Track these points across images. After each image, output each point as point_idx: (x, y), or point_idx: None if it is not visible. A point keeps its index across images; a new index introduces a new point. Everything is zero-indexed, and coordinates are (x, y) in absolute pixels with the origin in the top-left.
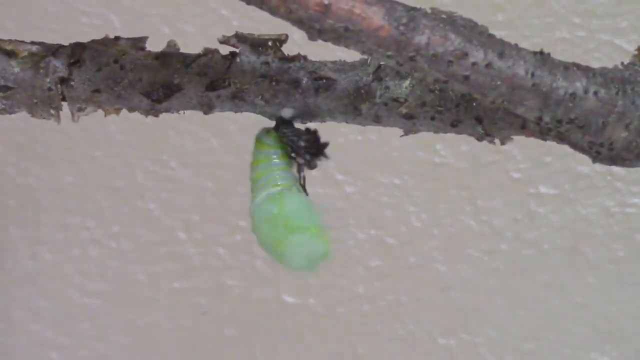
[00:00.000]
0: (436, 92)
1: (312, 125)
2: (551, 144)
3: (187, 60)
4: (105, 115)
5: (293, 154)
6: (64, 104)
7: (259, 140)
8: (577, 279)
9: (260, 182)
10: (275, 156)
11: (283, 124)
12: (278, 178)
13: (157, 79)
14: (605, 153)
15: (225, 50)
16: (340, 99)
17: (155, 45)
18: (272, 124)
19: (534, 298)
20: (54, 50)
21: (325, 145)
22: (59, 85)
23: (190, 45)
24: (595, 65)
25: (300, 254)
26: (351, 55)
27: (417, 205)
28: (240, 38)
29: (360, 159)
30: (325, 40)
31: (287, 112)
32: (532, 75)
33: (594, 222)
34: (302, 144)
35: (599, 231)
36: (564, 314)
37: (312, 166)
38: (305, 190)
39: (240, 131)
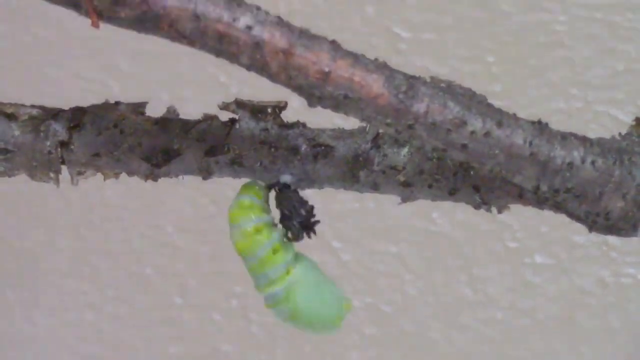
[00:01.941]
0: (434, 160)
1: (309, 191)
2: (547, 213)
3: (187, 126)
4: (104, 179)
5: (284, 221)
6: (64, 167)
7: (240, 205)
8: (572, 349)
9: (254, 272)
10: (262, 238)
11: (285, 187)
12: (273, 271)
13: (157, 143)
14: (602, 223)
15: (224, 116)
16: (338, 166)
17: (154, 110)
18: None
19: None
20: (54, 114)
21: (317, 222)
22: (58, 149)
23: (190, 111)
24: (591, 136)
25: (327, 332)
26: (350, 122)
27: (412, 273)
28: (239, 104)
29: (357, 226)
30: (325, 107)
31: (285, 179)
32: (530, 144)
33: (589, 292)
34: (303, 212)
35: (594, 301)
36: None
37: (298, 238)
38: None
39: None
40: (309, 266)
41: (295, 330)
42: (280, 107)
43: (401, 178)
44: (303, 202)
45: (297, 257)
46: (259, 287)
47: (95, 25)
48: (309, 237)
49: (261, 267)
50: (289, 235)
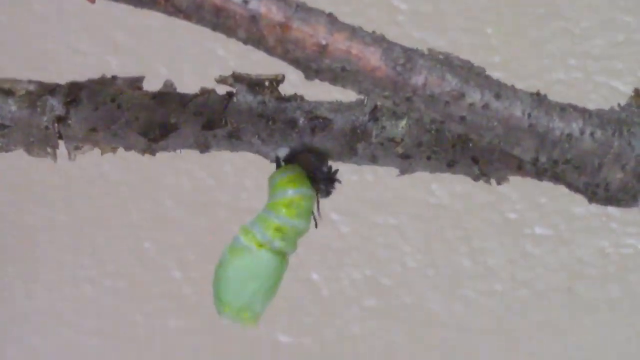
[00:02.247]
0: (432, 132)
1: None
2: (547, 185)
3: (184, 100)
4: (101, 154)
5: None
6: (61, 142)
7: (272, 176)
8: (572, 319)
9: (255, 220)
10: (280, 206)
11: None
12: (260, 231)
13: (154, 118)
14: (601, 194)
15: (222, 90)
16: (336, 139)
17: (151, 85)
18: (267, 162)
19: (528, 338)
20: (51, 89)
21: (337, 172)
22: (55, 124)
23: (187, 85)
24: (591, 107)
25: (223, 317)
26: (347, 95)
27: (412, 246)
28: (237, 78)
29: (356, 199)
30: (322, 80)
31: (283, 152)
32: (529, 116)
33: (589, 262)
34: (324, 170)
35: (594, 272)
36: (559, 355)
37: (327, 194)
38: (316, 218)
39: (235, 171)
40: (273, 268)
41: (295, 303)
42: (278, 80)
43: (399, 150)
44: (322, 159)
45: (279, 257)
46: (241, 229)
47: (90, 0)
48: (334, 188)
49: (261, 222)
50: (318, 195)
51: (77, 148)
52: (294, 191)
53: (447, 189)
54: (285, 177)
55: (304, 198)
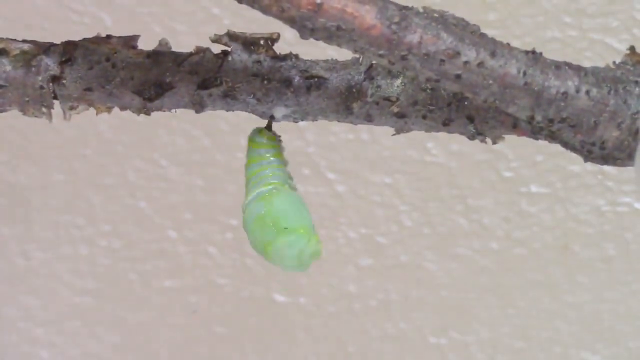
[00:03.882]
0: (428, 91)
1: (303, 124)
2: (542, 143)
3: (179, 59)
4: (96, 114)
5: None
6: (56, 102)
7: (251, 139)
8: (568, 277)
9: (252, 181)
10: (267, 154)
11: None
12: (270, 176)
13: (149, 77)
14: (597, 152)
15: (217, 48)
16: (331, 98)
17: (146, 43)
18: (264, 122)
19: (524, 297)
20: (46, 48)
21: None
22: (50, 84)
23: (182, 44)
24: (586, 64)
25: (289, 255)
26: (343, 54)
27: (408, 204)
28: (232, 37)
29: (352, 157)
30: (317, 39)
31: (279, 111)
32: (524, 74)
33: (585, 221)
34: None
35: (590, 230)
36: (555, 313)
37: None
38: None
39: (231, 130)
40: (300, 197)
41: None
42: (273, 39)
43: (395, 109)
44: None
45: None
46: (248, 189)
47: None
48: None
49: (260, 167)
50: None
51: (72, 108)
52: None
53: (442, 148)
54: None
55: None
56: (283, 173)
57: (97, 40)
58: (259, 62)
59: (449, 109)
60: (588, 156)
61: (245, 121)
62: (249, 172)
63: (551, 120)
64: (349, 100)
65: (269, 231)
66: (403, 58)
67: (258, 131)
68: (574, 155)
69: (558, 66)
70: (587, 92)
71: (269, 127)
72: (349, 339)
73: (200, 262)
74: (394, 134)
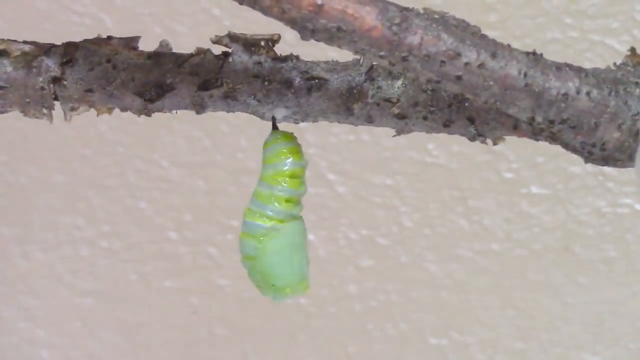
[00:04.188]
0: (428, 92)
1: (304, 125)
2: (543, 144)
3: (180, 60)
4: (97, 115)
5: None
6: (56, 103)
7: (266, 141)
8: (569, 279)
9: (259, 197)
10: (282, 168)
11: None
12: (274, 208)
13: (150, 78)
14: (598, 153)
15: (217, 50)
16: (332, 99)
17: (147, 45)
18: (264, 123)
19: (525, 298)
20: (47, 49)
21: None
22: (51, 85)
23: (183, 45)
24: (587, 65)
25: (275, 300)
26: (343, 55)
27: (408, 205)
28: (232, 38)
29: (352, 159)
30: (318, 41)
31: (279, 112)
32: (525, 75)
33: (586, 222)
34: None
35: (591, 231)
36: (556, 314)
37: None
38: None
39: (232, 131)
40: (300, 231)
41: None
42: (274, 40)
43: (395, 110)
44: None
45: (298, 220)
46: (249, 213)
47: None
48: None
49: (268, 199)
50: None
51: (72, 109)
52: (294, 162)
53: (443, 149)
54: (283, 147)
55: (303, 167)
56: (291, 197)
57: (98, 41)
58: (259, 63)
59: (449, 110)
60: (588, 157)
61: (245, 122)
62: (259, 188)
63: (552, 122)
64: (350, 102)
65: (258, 278)
66: (404, 59)
67: (274, 133)
68: (574, 156)
69: (559, 67)
70: (588, 94)
71: (274, 127)
72: (349, 340)
73: (201, 263)
74: (394, 135)
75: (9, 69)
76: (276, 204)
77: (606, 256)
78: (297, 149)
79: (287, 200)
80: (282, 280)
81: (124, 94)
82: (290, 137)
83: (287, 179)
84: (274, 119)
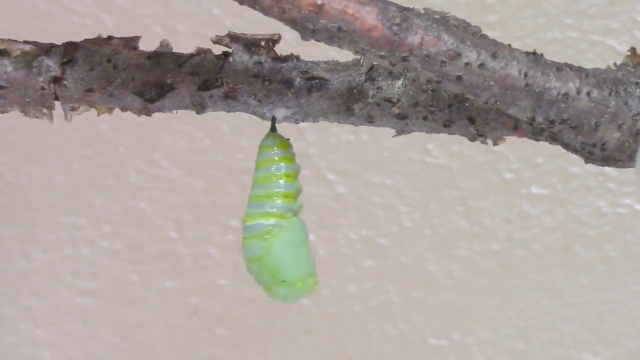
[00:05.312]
0: (429, 92)
1: (304, 125)
2: (543, 145)
3: (180, 60)
4: (97, 115)
5: None
6: (57, 103)
7: (261, 145)
8: (569, 279)
9: (257, 191)
10: (277, 162)
11: None
12: (274, 199)
13: (150, 78)
14: (598, 154)
15: (218, 50)
16: (332, 99)
17: (147, 45)
18: (264, 123)
19: (525, 298)
20: (47, 49)
21: None
22: (51, 85)
23: (183, 45)
24: (587, 66)
25: (287, 299)
26: (344, 55)
27: (408, 206)
28: (233, 38)
29: (352, 159)
30: (318, 41)
31: (280, 112)
32: (525, 75)
33: (586, 222)
34: None
35: (591, 231)
36: (556, 314)
37: None
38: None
39: (232, 131)
40: (303, 228)
41: None
42: (274, 40)
43: (396, 110)
44: None
45: (298, 216)
46: (248, 217)
47: None
48: None
49: (266, 197)
50: None
51: (73, 109)
52: (288, 166)
53: (443, 149)
54: (277, 154)
55: (296, 170)
56: (288, 192)
57: (98, 41)
58: (259, 63)
59: (449, 110)
60: (589, 157)
61: (246, 122)
62: (254, 188)
63: (552, 122)
64: (350, 102)
65: (267, 277)
66: (404, 59)
67: (270, 137)
68: (574, 156)
69: (559, 68)
70: (588, 94)
71: (272, 128)
72: (349, 340)
73: (201, 263)
74: (394, 135)
75: (10, 68)
76: (275, 199)
77: (606, 256)
78: (291, 157)
79: (285, 196)
80: (293, 274)
81: (124, 94)
82: (285, 145)
83: (282, 177)
84: (273, 120)
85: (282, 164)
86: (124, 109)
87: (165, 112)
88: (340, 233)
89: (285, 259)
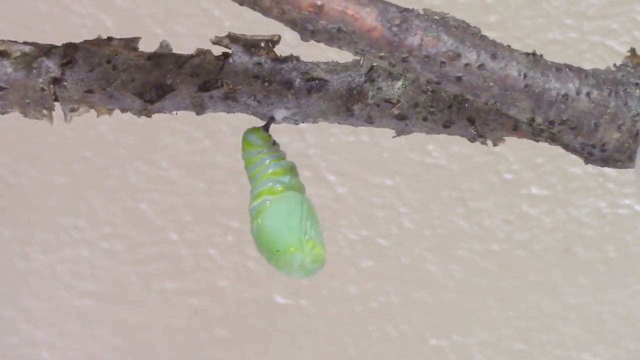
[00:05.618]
0: (428, 93)
1: (304, 125)
2: (543, 145)
3: (180, 61)
4: (97, 116)
5: None
6: (57, 104)
7: (244, 140)
8: (569, 280)
9: (251, 183)
10: (260, 154)
11: None
12: (261, 182)
13: (150, 79)
14: (598, 154)
15: (217, 50)
16: (332, 100)
17: (147, 45)
18: (263, 123)
19: (525, 299)
20: (47, 50)
21: None
22: (51, 86)
23: (183, 46)
24: (586, 66)
25: (293, 269)
26: (344, 56)
27: (408, 206)
28: (232, 39)
29: (352, 160)
30: (318, 41)
31: (280, 113)
32: (525, 76)
33: (586, 223)
34: None
35: (591, 232)
36: (556, 315)
37: None
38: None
39: (232, 132)
40: (294, 199)
41: None
42: (274, 41)
43: (395, 111)
44: None
45: (295, 191)
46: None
47: None
48: None
49: (254, 171)
50: None
51: (73, 110)
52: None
53: (443, 150)
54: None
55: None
56: (275, 170)
57: (98, 42)
58: (259, 64)
59: (449, 111)
60: (588, 158)
61: (246, 123)
62: (247, 172)
63: (552, 123)
64: (350, 102)
65: (267, 252)
66: (404, 60)
67: (249, 131)
68: (574, 157)
69: (559, 68)
70: (588, 94)
71: (266, 128)
72: (349, 341)
73: (202, 264)
74: (394, 136)
75: (9, 69)
76: (265, 181)
77: (606, 257)
78: (267, 138)
79: (274, 173)
80: (282, 242)
81: (124, 95)
82: (260, 133)
83: (265, 156)
84: (270, 120)
85: (259, 145)
86: (123, 110)
87: (165, 113)
88: (341, 234)
89: (275, 229)
